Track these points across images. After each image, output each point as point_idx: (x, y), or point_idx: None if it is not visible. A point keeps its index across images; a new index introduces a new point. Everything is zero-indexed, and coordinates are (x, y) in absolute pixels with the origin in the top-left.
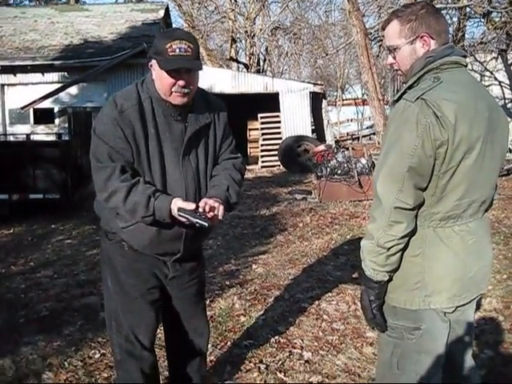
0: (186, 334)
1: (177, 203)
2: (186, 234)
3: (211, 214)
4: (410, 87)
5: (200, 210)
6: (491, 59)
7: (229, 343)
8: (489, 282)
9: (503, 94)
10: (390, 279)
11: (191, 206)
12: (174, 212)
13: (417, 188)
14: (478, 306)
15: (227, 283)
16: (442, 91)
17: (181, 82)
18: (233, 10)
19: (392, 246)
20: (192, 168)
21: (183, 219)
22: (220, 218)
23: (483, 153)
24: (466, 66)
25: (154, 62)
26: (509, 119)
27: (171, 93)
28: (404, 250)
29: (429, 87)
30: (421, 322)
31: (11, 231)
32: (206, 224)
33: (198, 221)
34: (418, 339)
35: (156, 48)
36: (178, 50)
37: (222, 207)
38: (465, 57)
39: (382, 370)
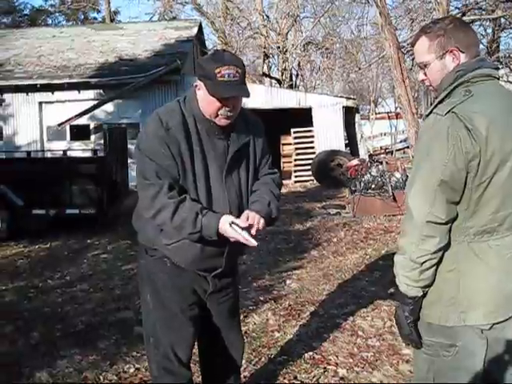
0: (223, 349)
1: (229, 219)
2: (228, 250)
3: (254, 229)
4: (440, 101)
5: (242, 222)
6: None
7: (263, 359)
8: None
9: None
10: (425, 295)
11: (245, 223)
12: (223, 228)
13: (449, 202)
14: None
15: (261, 298)
16: (473, 104)
17: (228, 108)
18: (265, 26)
19: (425, 261)
20: (235, 185)
21: (233, 234)
22: (260, 229)
23: None
24: (498, 78)
25: (201, 83)
26: None
27: (217, 115)
28: (438, 265)
29: (459, 101)
30: (456, 339)
31: (48, 246)
32: (256, 243)
33: (248, 238)
34: (454, 356)
35: (204, 71)
36: (227, 76)
37: (262, 221)
38: (497, 69)
39: None
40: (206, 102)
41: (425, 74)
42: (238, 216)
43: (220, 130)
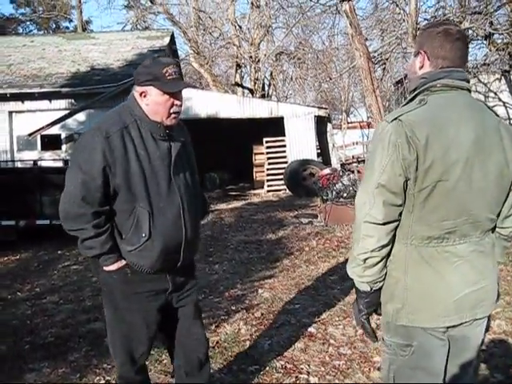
0: (190, 346)
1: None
2: (184, 244)
3: None
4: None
5: None
6: (494, 80)
7: (235, 368)
8: (492, 308)
9: (508, 114)
10: (381, 292)
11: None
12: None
13: (388, 204)
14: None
15: (233, 308)
16: (420, 113)
17: (178, 102)
18: (237, 36)
19: (366, 259)
20: (183, 182)
21: None
22: None
23: (469, 175)
24: (468, 89)
25: (150, 88)
26: None
27: (169, 115)
28: (391, 264)
29: (410, 108)
30: (412, 339)
31: (18, 257)
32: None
33: None
34: (410, 356)
35: (152, 74)
36: (173, 74)
37: None
38: (465, 80)
39: None
40: (157, 103)
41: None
42: (190, 212)
43: (164, 132)
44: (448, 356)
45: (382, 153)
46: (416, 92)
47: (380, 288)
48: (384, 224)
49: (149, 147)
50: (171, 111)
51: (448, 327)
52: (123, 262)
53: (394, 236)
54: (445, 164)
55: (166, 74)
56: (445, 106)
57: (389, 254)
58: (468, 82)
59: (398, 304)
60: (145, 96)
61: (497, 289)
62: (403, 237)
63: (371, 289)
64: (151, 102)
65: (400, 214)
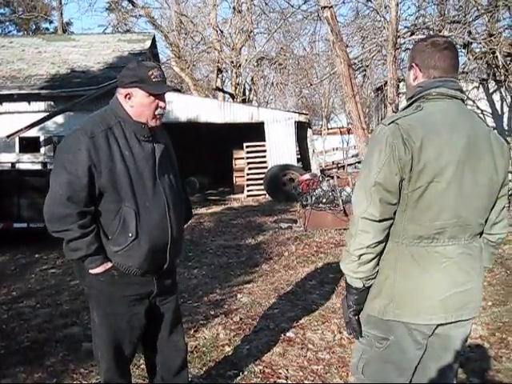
0: (168, 353)
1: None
2: (170, 245)
3: None
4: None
5: None
6: (473, 88)
7: (213, 373)
8: (477, 310)
9: (485, 122)
10: (370, 289)
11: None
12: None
13: (384, 202)
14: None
15: (212, 313)
16: (416, 118)
17: (162, 104)
18: (219, 40)
19: (361, 255)
20: (167, 182)
21: None
22: None
23: (460, 179)
24: (462, 99)
25: (135, 89)
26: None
27: (154, 116)
28: (383, 262)
29: (407, 113)
30: (390, 333)
31: None
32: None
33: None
34: (384, 349)
35: (138, 77)
36: (158, 76)
37: None
38: (460, 91)
39: (352, 373)
40: (142, 105)
41: None
42: (175, 212)
43: (148, 133)
44: (422, 359)
45: (379, 153)
46: (412, 99)
47: (371, 285)
48: (380, 221)
49: (133, 148)
50: (156, 113)
51: (433, 327)
52: (109, 264)
53: (388, 234)
54: (437, 166)
55: (152, 77)
56: (439, 112)
57: (382, 252)
58: (462, 91)
59: (386, 300)
60: (129, 98)
61: (481, 292)
62: (395, 235)
63: (363, 285)
64: (136, 103)
65: (394, 213)
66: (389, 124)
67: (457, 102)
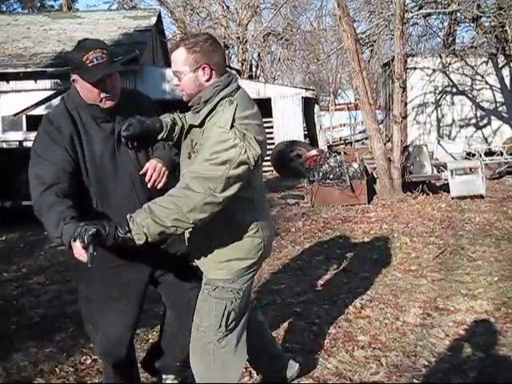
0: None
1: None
2: None
3: (161, 182)
4: (210, 113)
5: (148, 174)
6: (482, 63)
7: None
8: None
9: (494, 97)
10: None
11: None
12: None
13: None
14: (471, 308)
15: None
16: (241, 111)
17: (107, 88)
18: (225, 16)
19: None
20: (132, 161)
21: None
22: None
23: None
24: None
25: (75, 76)
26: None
27: (101, 99)
28: None
29: (231, 111)
30: None
31: (3, 238)
32: (89, 265)
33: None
34: None
35: (74, 63)
36: (95, 60)
37: (164, 169)
38: (237, 81)
39: None
40: (86, 90)
41: (179, 81)
42: (142, 188)
43: (105, 114)
44: None
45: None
46: (219, 97)
47: None
48: None
49: (91, 131)
50: (101, 96)
51: None
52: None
53: None
54: None
55: (87, 62)
56: (247, 102)
57: None
58: (237, 81)
59: None
60: (76, 82)
61: None
62: None
63: None
64: (80, 88)
65: None
66: (230, 128)
67: (244, 91)
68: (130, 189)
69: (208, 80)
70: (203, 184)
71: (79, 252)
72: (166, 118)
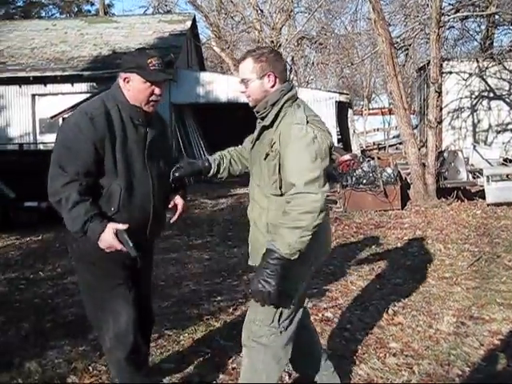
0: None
1: (113, 226)
2: (149, 226)
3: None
4: (277, 114)
5: (178, 212)
6: None
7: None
8: None
9: None
10: None
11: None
12: (105, 236)
13: None
14: (507, 318)
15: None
16: (309, 112)
17: (158, 91)
18: (259, 20)
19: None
20: (156, 166)
21: (114, 243)
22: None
23: None
24: None
25: (131, 75)
26: None
27: (148, 102)
28: None
29: (302, 111)
30: None
31: (39, 238)
32: (135, 254)
33: (131, 249)
34: None
35: (136, 63)
36: (157, 65)
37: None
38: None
39: None
40: (138, 90)
41: (246, 88)
42: (161, 195)
43: (143, 117)
44: None
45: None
46: (284, 100)
47: None
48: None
49: (127, 130)
50: (150, 99)
51: None
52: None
53: None
54: None
55: (150, 65)
56: (307, 106)
57: None
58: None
59: None
60: (128, 82)
61: None
62: None
63: None
64: (133, 88)
65: None
66: (307, 123)
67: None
68: (149, 193)
69: (273, 86)
70: (314, 184)
71: (115, 243)
72: (215, 155)
